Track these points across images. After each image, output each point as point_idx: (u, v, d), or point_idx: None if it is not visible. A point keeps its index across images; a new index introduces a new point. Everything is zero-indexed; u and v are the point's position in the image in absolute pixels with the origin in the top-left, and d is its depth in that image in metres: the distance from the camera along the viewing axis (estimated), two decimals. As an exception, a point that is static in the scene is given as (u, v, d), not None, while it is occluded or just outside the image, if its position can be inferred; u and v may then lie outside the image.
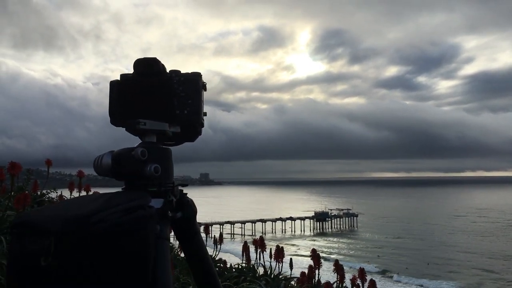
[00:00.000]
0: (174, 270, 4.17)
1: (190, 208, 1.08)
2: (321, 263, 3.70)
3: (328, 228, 70.28)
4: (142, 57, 1.04)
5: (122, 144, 1.07)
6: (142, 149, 0.95)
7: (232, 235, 59.35)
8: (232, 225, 62.82)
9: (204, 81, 1.06)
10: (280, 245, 4.19)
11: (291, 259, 4.29)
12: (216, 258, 4.85)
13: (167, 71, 1.04)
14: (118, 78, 1.06)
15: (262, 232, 60.84)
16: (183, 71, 1.07)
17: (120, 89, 1.03)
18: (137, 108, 1.02)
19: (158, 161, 0.98)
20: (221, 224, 59.40)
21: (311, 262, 3.85)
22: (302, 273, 3.88)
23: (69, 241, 0.76)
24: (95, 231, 0.78)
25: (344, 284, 3.77)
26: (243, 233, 59.03)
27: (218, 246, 4.78)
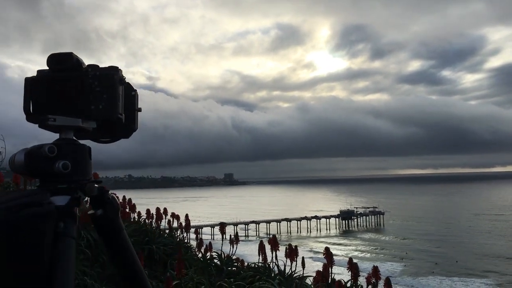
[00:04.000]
0: (188, 270, 4.22)
1: (111, 205, 1.06)
2: (333, 261, 3.67)
3: (354, 227, 69.70)
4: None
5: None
6: (50, 145, 0.95)
7: (258, 235, 59.37)
8: (257, 225, 62.94)
9: (123, 75, 1.04)
10: (293, 245, 4.18)
11: (303, 258, 4.28)
12: (234, 258, 4.89)
13: (84, 66, 1.03)
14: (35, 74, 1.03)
15: (287, 231, 60.72)
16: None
17: (34, 85, 1.02)
18: (50, 104, 1.00)
19: (69, 157, 0.97)
20: (246, 223, 59.65)
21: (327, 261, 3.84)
22: (318, 272, 3.86)
23: None
24: None
25: (359, 283, 3.74)
26: (268, 233, 58.94)
27: (235, 246, 4.81)
